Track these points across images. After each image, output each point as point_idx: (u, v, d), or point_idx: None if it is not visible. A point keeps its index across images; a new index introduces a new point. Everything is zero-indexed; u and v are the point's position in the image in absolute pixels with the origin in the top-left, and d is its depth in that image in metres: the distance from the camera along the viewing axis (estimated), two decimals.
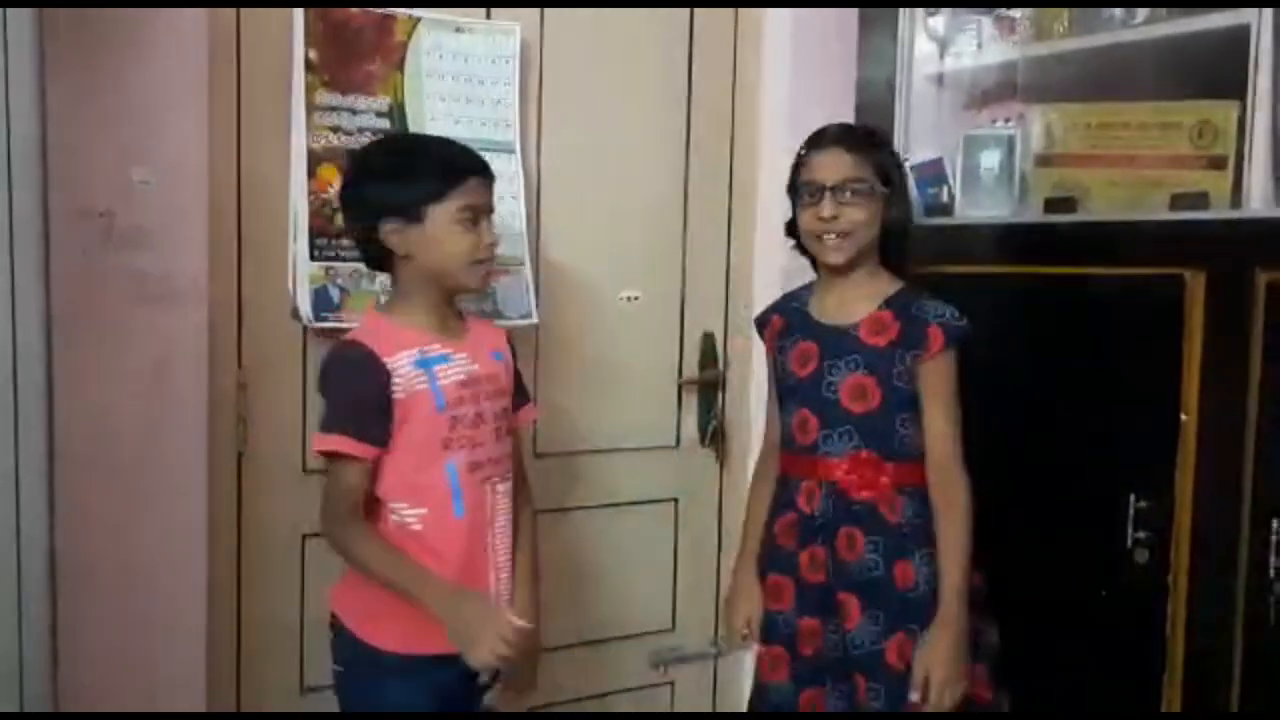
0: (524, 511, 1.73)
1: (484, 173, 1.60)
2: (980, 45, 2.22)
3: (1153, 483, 1.72)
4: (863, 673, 1.70)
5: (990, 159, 2.10)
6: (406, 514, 1.56)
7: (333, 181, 1.86)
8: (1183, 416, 1.69)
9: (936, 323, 1.71)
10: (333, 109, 1.87)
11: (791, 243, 1.86)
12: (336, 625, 1.63)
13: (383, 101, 1.91)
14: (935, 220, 2.12)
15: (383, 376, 1.52)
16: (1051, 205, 1.97)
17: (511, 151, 2.03)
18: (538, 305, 2.04)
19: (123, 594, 1.72)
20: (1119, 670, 1.78)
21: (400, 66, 1.93)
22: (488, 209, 1.60)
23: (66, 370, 1.64)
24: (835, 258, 1.75)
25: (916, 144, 2.18)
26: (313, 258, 1.85)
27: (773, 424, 1.89)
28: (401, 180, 1.55)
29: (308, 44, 1.84)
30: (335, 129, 1.87)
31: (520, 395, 1.74)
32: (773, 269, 2.34)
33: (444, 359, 1.58)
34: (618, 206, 2.20)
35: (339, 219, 1.86)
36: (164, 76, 1.70)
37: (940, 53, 2.26)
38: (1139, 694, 1.74)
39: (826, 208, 1.72)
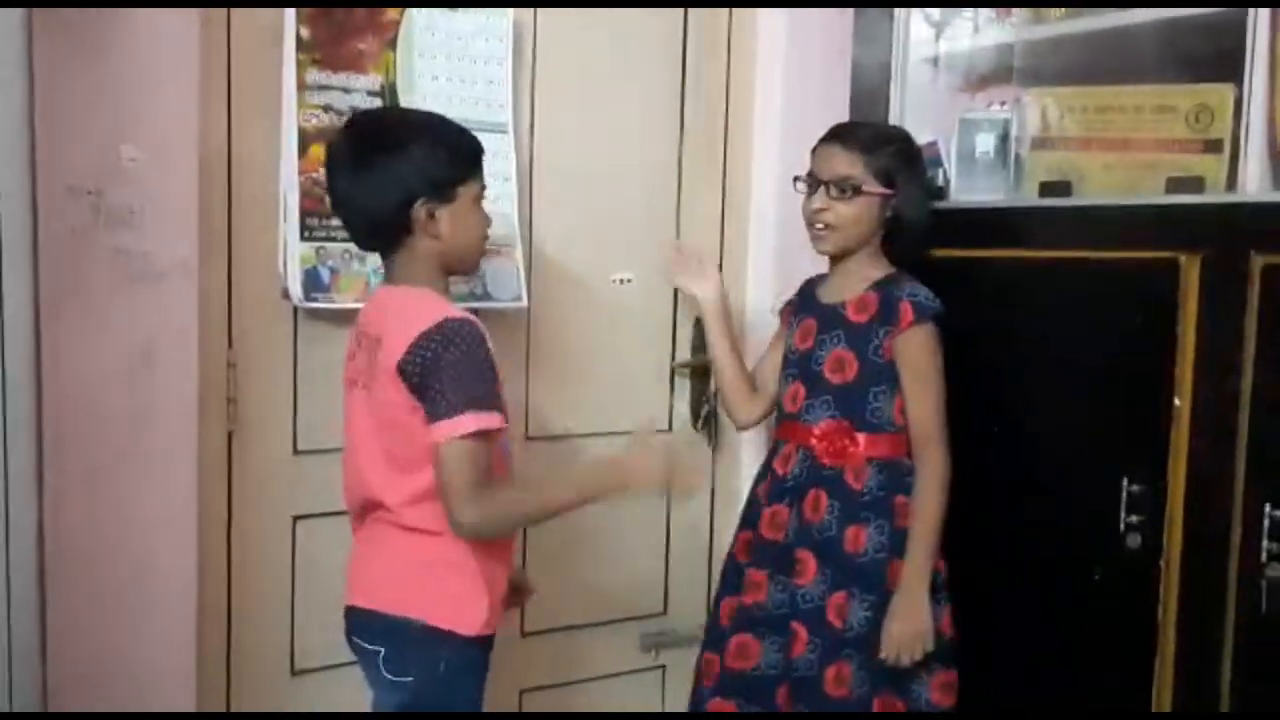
0: None
1: (483, 153, 1.61)
2: (976, 28, 2.21)
3: (1146, 467, 1.72)
4: (805, 625, 1.82)
5: (986, 142, 2.09)
6: None
7: (323, 161, 1.84)
8: (1176, 401, 1.68)
9: (909, 300, 1.82)
10: (324, 87, 1.85)
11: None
12: (407, 628, 1.53)
13: (374, 80, 1.90)
14: (930, 204, 2.11)
15: (490, 351, 1.52)
16: (1047, 189, 1.96)
17: (504, 132, 2.02)
18: (528, 288, 2.03)
19: (112, 575, 1.71)
20: (1110, 654, 1.79)
21: (393, 45, 1.91)
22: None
23: (54, 350, 1.63)
24: (820, 247, 1.91)
25: (912, 127, 2.16)
26: (303, 238, 1.83)
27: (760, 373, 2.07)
28: (440, 159, 1.53)
29: (299, 21, 1.82)
30: (326, 108, 1.85)
31: None
32: (766, 252, 2.33)
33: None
34: (611, 188, 2.19)
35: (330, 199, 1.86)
36: (154, 53, 1.68)
37: (936, 35, 2.25)
38: (1130, 678, 1.74)
39: (816, 200, 1.86)
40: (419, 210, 1.52)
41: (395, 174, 1.52)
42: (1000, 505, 1.91)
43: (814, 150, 1.90)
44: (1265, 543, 1.59)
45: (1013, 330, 1.90)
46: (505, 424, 1.53)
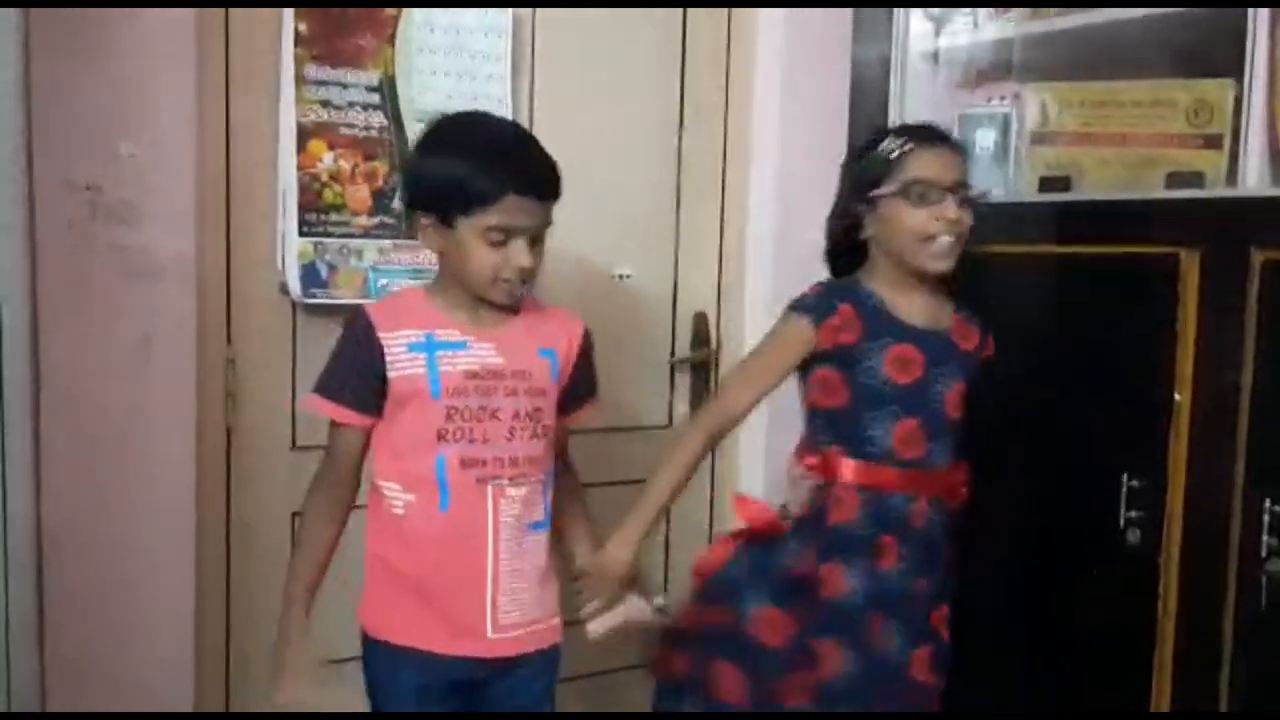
0: (573, 508, 1.70)
1: (531, 192, 1.46)
2: (976, 24, 2.20)
3: (1146, 462, 1.72)
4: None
5: (985, 138, 2.09)
6: (393, 496, 1.52)
7: (321, 157, 1.84)
8: (1176, 396, 1.68)
9: (990, 331, 1.74)
10: (322, 83, 1.85)
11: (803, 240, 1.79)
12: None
13: (373, 75, 1.89)
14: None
15: (375, 349, 1.47)
16: (1046, 184, 1.96)
17: None
18: None
19: (110, 570, 1.71)
20: (1110, 649, 1.78)
21: (391, 40, 1.91)
22: (527, 230, 1.46)
23: (52, 346, 1.63)
24: (943, 265, 1.63)
25: (911, 122, 2.16)
26: (301, 233, 1.83)
27: (750, 401, 1.70)
28: (439, 182, 1.46)
29: (297, 16, 1.82)
30: (325, 103, 1.85)
31: (577, 394, 1.64)
32: (765, 248, 2.33)
33: (456, 346, 1.50)
34: (610, 184, 2.19)
35: (328, 194, 1.86)
36: (151, 48, 1.68)
37: (935, 31, 2.24)
38: (1130, 674, 1.74)
39: (951, 209, 1.60)
40: (418, 219, 1.50)
41: (407, 176, 1.57)
42: (1000, 500, 1.91)
43: (913, 154, 1.63)
44: (1265, 538, 1.59)
45: (1011, 326, 1.90)
46: (333, 414, 1.50)
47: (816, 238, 1.89)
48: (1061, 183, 1.94)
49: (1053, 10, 2.04)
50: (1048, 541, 1.86)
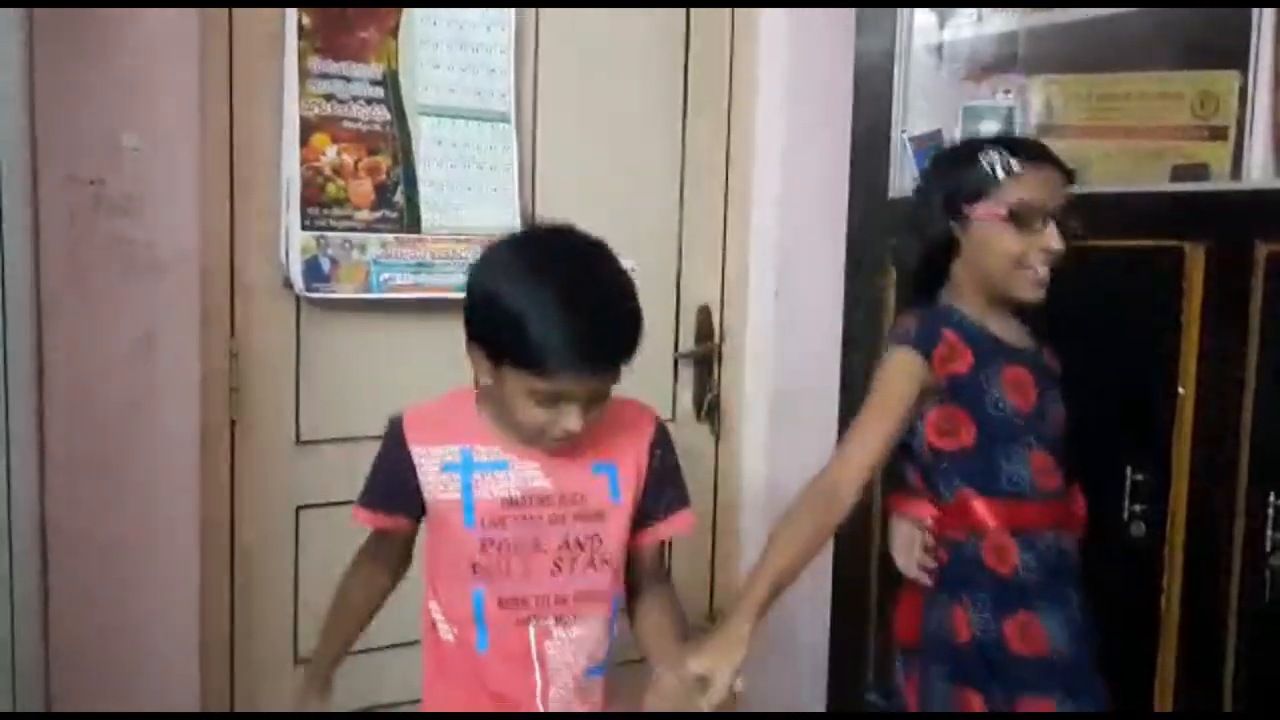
0: (656, 605, 1.44)
1: (592, 370, 1.24)
2: (980, 16, 2.20)
3: (1150, 456, 1.72)
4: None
5: (989, 130, 2.08)
6: (438, 620, 1.38)
7: (324, 150, 1.84)
8: (1180, 389, 1.68)
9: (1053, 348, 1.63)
10: (325, 76, 1.85)
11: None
12: None
13: (376, 69, 1.89)
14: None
15: (407, 464, 1.34)
16: None
17: (506, 122, 2.01)
18: None
19: (115, 565, 1.71)
20: (1113, 643, 1.78)
21: (394, 34, 1.91)
22: (581, 399, 1.26)
23: (56, 340, 1.63)
24: (1037, 294, 1.51)
25: (915, 115, 2.16)
26: (304, 227, 1.83)
27: (874, 462, 1.49)
28: (492, 324, 1.25)
29: (300, 10, 1.82)
30: (328, 97, 1.85)
31: (660, 505, 1.41)
32: (769, 243, 2.33)
33: (496, 466, 1.33)
34: (614, 177, 2.18)
35: (330, 188, 1.86)
36: (155, 41, 1.68)
37: (940, 24, 2.24)
38: (1134, 667, 1.74)
39: (1054, 238, 1.48)
40: (469, 349, 1.30)
41: (468, 297, 1.30)
42: None
43: (1020, 176, 1.49)
44: (1269, 531, 1.59)
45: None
46: (370, 522, 1.40)
47: (816, 235, 1.89)
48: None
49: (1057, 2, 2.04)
50: None
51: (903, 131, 2.11)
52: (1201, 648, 1.67)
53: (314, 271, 1.84)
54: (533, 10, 2.06)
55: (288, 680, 1.94)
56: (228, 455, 1.87)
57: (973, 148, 1.56)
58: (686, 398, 2.34)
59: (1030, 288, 1.51)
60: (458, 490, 1.32)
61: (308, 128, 1.83)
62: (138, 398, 1.71)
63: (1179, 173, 1.79)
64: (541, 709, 1.35)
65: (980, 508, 1.50)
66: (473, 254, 1.93)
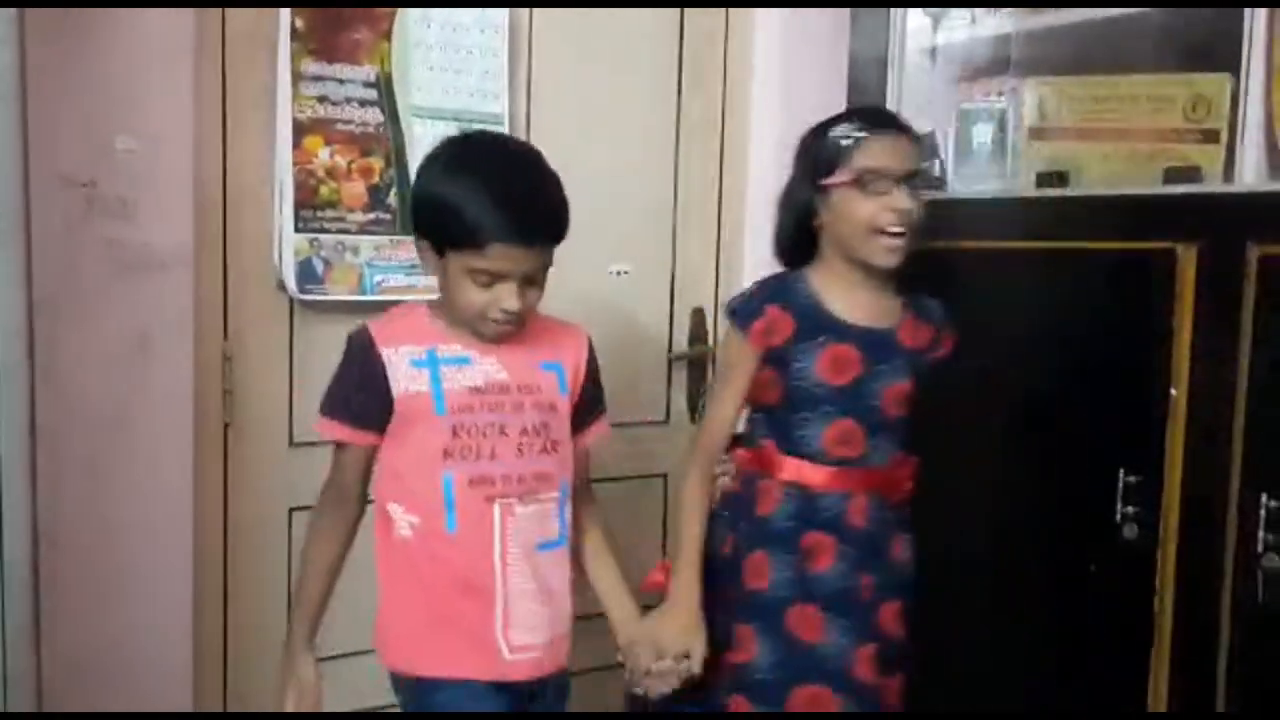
0: (591, 533, 1.63)
1: (522, 242, 1.38)
2: (973, 19, 2.20)
3: (1142, 457, 1.71)
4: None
5: (983, 133, 2.09)
6: (399, 518, 1.47)
7: (317, 152, 1.84)
8: (1172, 391, 1.68)
9: (949, 331, 1.72)
10: (319, 78, 1.85)
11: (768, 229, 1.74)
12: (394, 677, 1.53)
13: (369, 71, 1.89)
14: (928, 195, 2.11)
15: (377, 365, 1.43)
16: (1044, 179, 1.96)
17: (500, 123, 2.01)
18: None
19: (107, 566, 1.71)
20: (1107, 645, 1.78)
21: (388, 36, 1.91)
22: (516, 276, 1.40)
23: (48, 342, 1.63)
24: (892, 259, 1.60)
25: (909, 117, 2.15)
26: (297, 229, 1.83)
27: (730, 419, 1.70)
28: (431, 212, 1.41)
29: (294, 12, 1.82)
30: (321, 99, 1.85)
31: (587, 407, 1.59)
32: (763, 244, 2.32)
33: (460, 360, 1.46)
34: (608, 179, 2.18)
35: (324, 190, 1.86)
36: (148, 42, 1.68)
37: (933, 26, 2.24)
38: (1127, 669, 1.74)
39: (901, 199, 1.57)
40: (417, 246, 1.46)
41: (412, 197, 1.49)
42: (997, 495, 1.91)
43: (866, 143, 1.59)
44: (1262, 533, 1.59)
45: (1008, 321, 1.90)
46: (336, 434, 1.46)
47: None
48: (1059, 178, 1.94)
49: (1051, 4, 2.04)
50: (1044, 537, 1.86)
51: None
52: (1194, 649, 1.67)
53: (307, 273, 1.84)
54: (526, 12, 2.06)
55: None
56: (221, 457, 1.87)
57: (829, 121, 1.66)
58: (680, 399, 2.34)
59: (883, 253, 1.59)
60: (427, 382, 1.43)
61: (301, 130, 1.83)
62: (131, 400, 1.71)
63: (1171, 175, 1.79)
64: (500, 583, 1.45)
65: (774, 459, 1.66)
66: None
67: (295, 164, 1.83)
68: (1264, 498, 1.59)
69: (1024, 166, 2.05)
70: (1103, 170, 1.95)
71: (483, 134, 1.60)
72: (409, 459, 1.45)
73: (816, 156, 1.63)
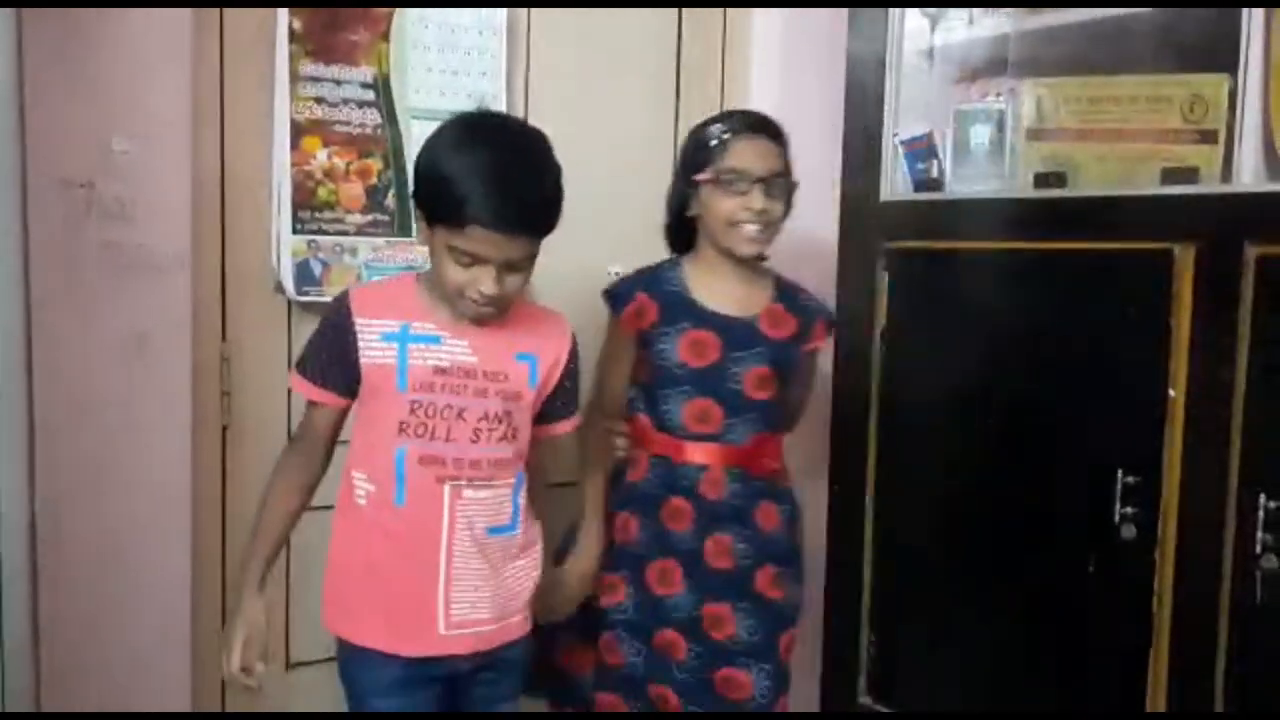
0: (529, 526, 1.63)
1: (501, 229, 1.39)
2: (971, 19, 2.20)
3: (1141, 458, 1.71)
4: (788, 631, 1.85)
5: (981, 134, 2.08)
6: (358, 483, 1.51)
7: (315, 154, 1.84)
8: (1170, 392, 1.68)
9: (823, 319, 1.89)
10: (316, 79, 1.85)
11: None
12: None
13: (367, 72, 1.89)
14: (925, 195, 2.11)
15: (349, 333, 1.46)
16: (1042, 180, 1.96)
17: None
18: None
19: (106, 567, 1.71)
20: (1105, 645, 1.78)
21: (386, 36, 1.91)
22: (494, 262, 1.41)
23: (47, 343, 1.63)
24: (751, 249, 1.78)
25: (907, 118, 2.16)
26: (295, 231, 1.84)
27: (617, 394, 1.87)
28: (423, 185, 1.45)
29: (292, 12, 1.82)
30: (319, 100, 1.85)
31: (558, 407, 1.62)
32: None
33: (429, 339, 1.48)
34: (605, 181, 2.18)
35: (321, 191, 1.86)
36: (145, 43, 1.68)
37: (931, 27, 2.24)
38: (1125, 669, 1.74)
39: (758, 199, 1.74)
40: (414, 213, 1.49)
41: (417, 158, 1.50)
42: (995, 495, 1.91)
43: (729, 145, 1.77)
44: (1260, 534, 1.59)
45: (1006, 321, 1.90)
46: (307, 392, 1.51)
47: (808, 237, 1.90)
48: (1057, 179, 1.94)
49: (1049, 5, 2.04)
50: (1042, 537, 1.86)
51: (894, 135, 2.10)
52: (1193, 649, 1.67)
53: (305, 275, 1.84)
54: (524, 14, 2.06)
55: (280, 682, 1.93)
56: (219, 458, 1.87)
57: (706, 122, 1.82)
58: None
59: (744, 243, 1.77)
60: (394, 357, 1.46)
61: (298, 131, 1.84)
62: (129, 400, 1.71)
63: (1169, 176, 1.79)
64: (444, 561, 1.48)
65: (645, 432, 1.83)
66: None
67: (293, 165, 1.83)
68: (1262, 498, 1.59)
69: (1022, 167, 2.05)
70: (1100, 171, 1.95)
71: (496, 115, 1.61)
72: (372, 429, 1.49)
73: (691, 153, 1.81)
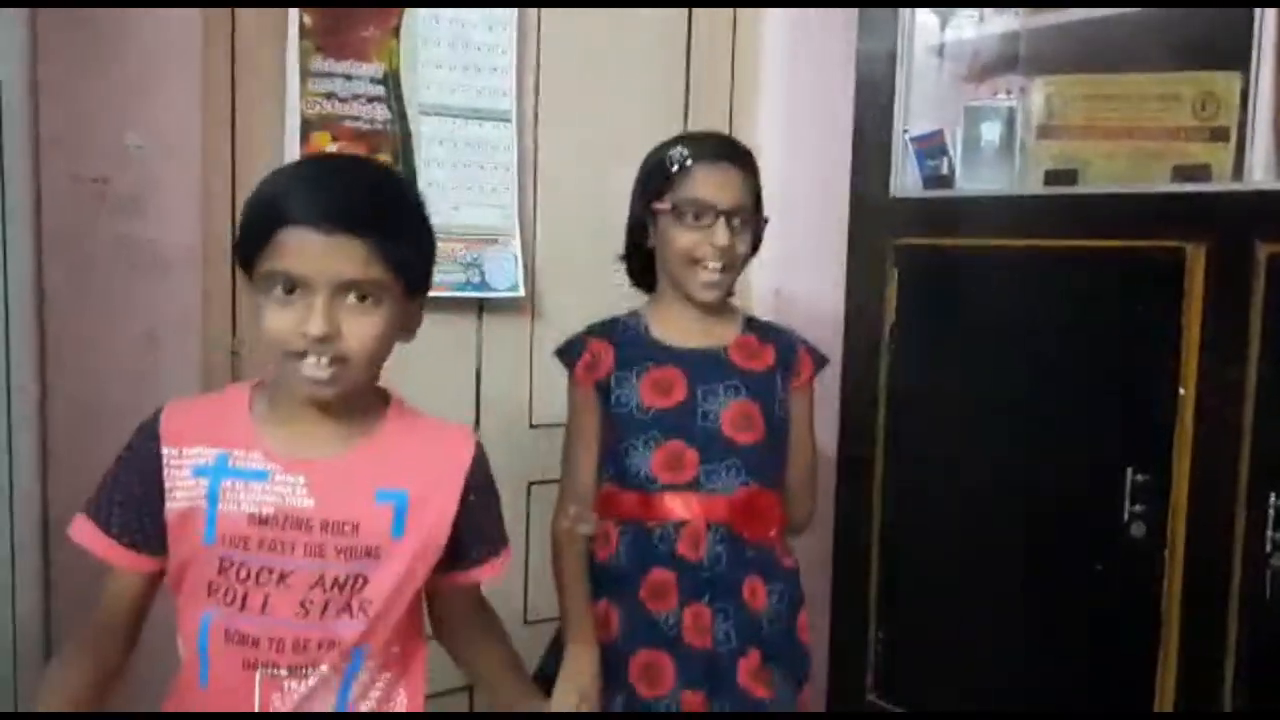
0: (488, 653, 1.31)
1: (316, 222, 1.04)
2: (981, 17, 2.19)
3: (1150, 457, 1.71)
4: None
5: (991, 131, 2.08)
6: (181, 648, 1.19)
7: (325, 149, 1.85)
8: (1181, 390, 1.68)
9: (805, 349, 1.66)
10: (327, 75, 1.85)
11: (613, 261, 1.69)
12: None
13: (377, 68, 1.90)
14: (935, 192, 2.11)
15: (154, 469, 1.13)
16: (1052, 178, 1.96)
17: (507, 121, 2.02)
18: (530, 278, 2.03)
19: None
20: (1114, 644, 1.78)
21: (396, 33, 1.91)
22: (318, 280, 1.05)
23: (59, 337, 1.63)
24: (710, 295, 1.55)
25: (916, 116, 2.16)
26: None
27: (583, 470, 1.60)
28: (241, 224, 1.11)
29: (303, 9, 1.82)
30: (329, 95, 1.86)
31: (473, 548, 1.23)
32: (768, 245, 2.31)
33: (253, 475, 1.12)
34: (614, 179, 2.17)
35: None
36: (157, 41, 1.69)
37: (941, 24, 2.24)
38: (1134, 669, 1.74)
39: (721, 234, 1.51)
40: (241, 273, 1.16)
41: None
42: (1004, 494, 1.91)
43: (691, 172, 1.54)
44: (1270, 532, 1.59)
45: (1017, 319, 1.90)
46: (100, 550, 1.16)
47: (817, 235, 1.89)
48: (1067, 176, 1.94)
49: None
50: (1052, 535, 1.86)
51: (904, 132, 2.11)
52: (1202, 648, 1.67)
53: None
54: (535, 10, 2.07)
55: None
56: None
57: (667, 144, 1.60)
58: None
59: (700, 288, 1.54)
60: (203, 498, 1.11)
61: (309, 126, 1.84)
62: (140, 395, 1.71)
63: (1180, 173, 1.79)
64: None
65: (611, 497, 1.58)
66: (472, 254, 1.96)
67: None
68: (1272, 497, 1.58)
69: (1032, 165, 2.05)
70: (1111, 168, 1.94)
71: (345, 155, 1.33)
72: (184, 581, 1.16)
73: (648, 178, 1.60)
